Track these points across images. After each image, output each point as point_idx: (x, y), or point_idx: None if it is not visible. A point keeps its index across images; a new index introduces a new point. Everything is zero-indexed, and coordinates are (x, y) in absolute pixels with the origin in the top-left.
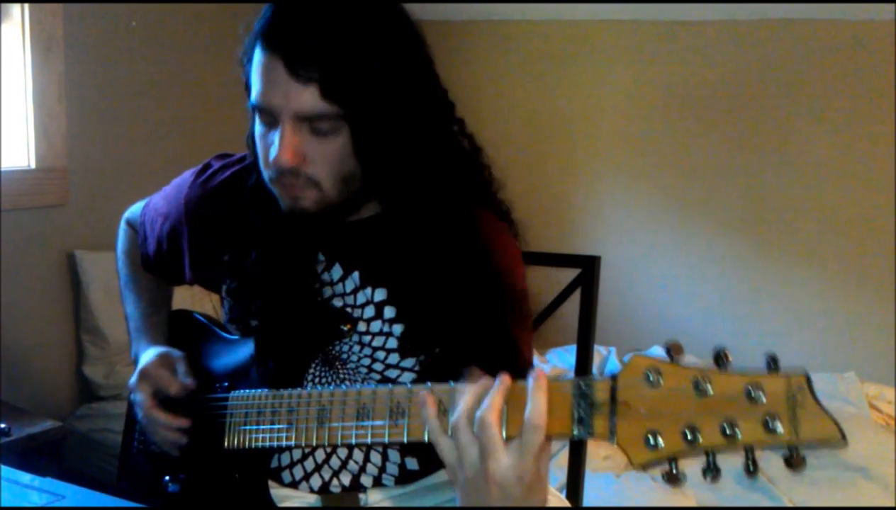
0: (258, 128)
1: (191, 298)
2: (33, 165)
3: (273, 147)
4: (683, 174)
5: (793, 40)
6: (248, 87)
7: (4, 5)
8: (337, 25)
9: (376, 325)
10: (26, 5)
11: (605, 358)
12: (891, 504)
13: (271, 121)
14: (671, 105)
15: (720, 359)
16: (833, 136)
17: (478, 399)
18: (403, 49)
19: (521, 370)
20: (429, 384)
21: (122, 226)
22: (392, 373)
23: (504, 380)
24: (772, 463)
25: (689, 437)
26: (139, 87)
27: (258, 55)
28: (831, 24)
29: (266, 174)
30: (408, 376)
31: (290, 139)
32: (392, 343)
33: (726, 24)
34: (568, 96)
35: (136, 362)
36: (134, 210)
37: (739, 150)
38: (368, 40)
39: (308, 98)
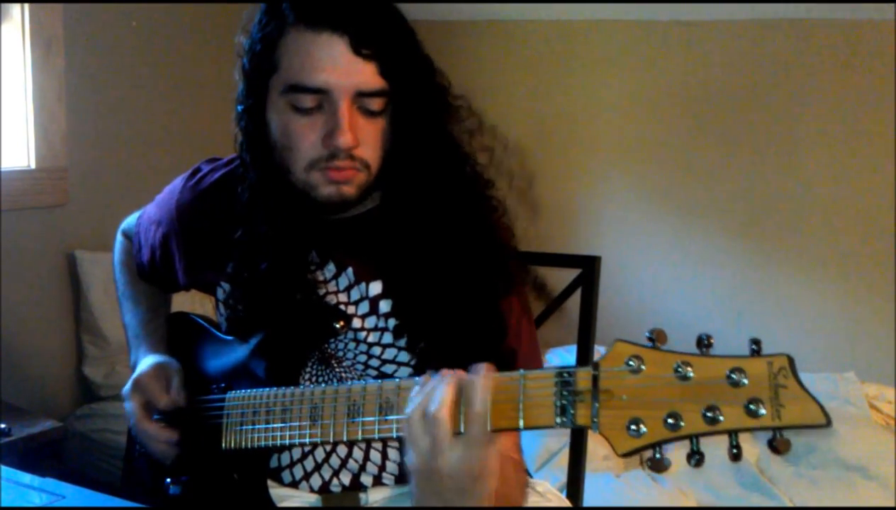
0: (290, 116)
1: (190, 300)
2: (33, 165)
3: (334, 130)
4: (683, 174)
5: (793, 40)
6: (259, 73)
7: (4, 5)
8: (382, 4)
9: (371, 321)
10: (26, 5)
11: None
12: (891, 504)
13: (315, 103)
14: (671, 105)
15: (702, 344)
16: (833, 136)
17: (431, 394)
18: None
19: (516, 360)
20: (418, 379)
21: (118, 237)
22: (388, 369)
23: (457, 375)
24: (772, 463)
25: (672, 424)
26: (139, 87)
27: (305, 35)
28: (831, 24)
29: (303, 163)
30: (404, 371)
31: (351, 119)
32: (387, 338)
33: (726, 24)
34: (568, 96)
35: (133, 370)
36: (129, 221)
37: (740, 150)
38: (404, 21)
39: (370, 75)
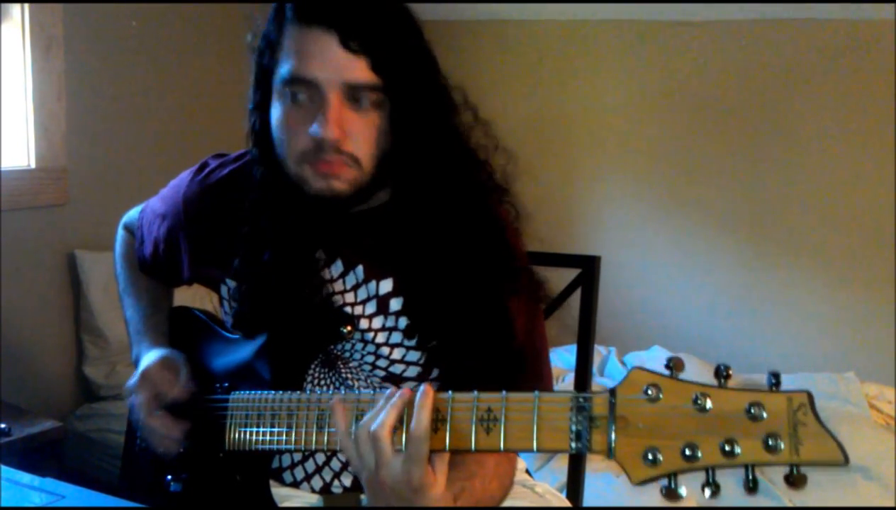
0: (284, 109)
1: (192, 296)
2: (33, 165)
3: (318, 122)
4: (683, 174)
5: (793, 40)
6: (263, 71)
7: (4, 5)
8: (379, 0)
9: (378, 321)
10: (26, 5)
11: (605, 358)
12: (891, 504)
13: (308, 97)
14: (671, 105)
15: (720, 375)
16: (833, 136)
17: (377, 413)
18: (423, 33)
19: (524, 359)
20: (422, 385)
21: (120, 231)
22: (397, 369)
23: (403, 394)
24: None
25: (689, 455)
26: (139, 86)
27: (299, 31)
28: (831, 24)
29: (294, 156)
30: (413, 370)
31: (338, 112)
32: (396, 337)
33: (726, 24)
34: (568, 96)
35: (136, 364)
36: (131, 215)
37: (739, 150)
38: (405, 18)
39: (359, 69)
